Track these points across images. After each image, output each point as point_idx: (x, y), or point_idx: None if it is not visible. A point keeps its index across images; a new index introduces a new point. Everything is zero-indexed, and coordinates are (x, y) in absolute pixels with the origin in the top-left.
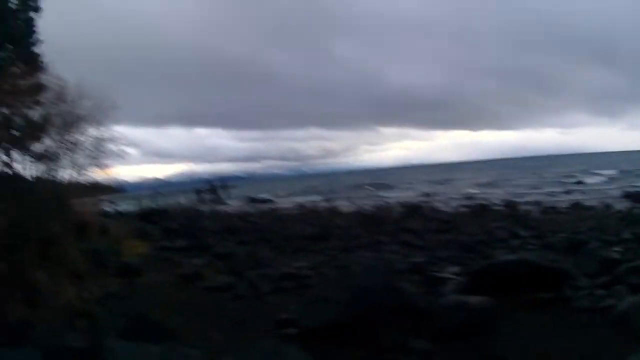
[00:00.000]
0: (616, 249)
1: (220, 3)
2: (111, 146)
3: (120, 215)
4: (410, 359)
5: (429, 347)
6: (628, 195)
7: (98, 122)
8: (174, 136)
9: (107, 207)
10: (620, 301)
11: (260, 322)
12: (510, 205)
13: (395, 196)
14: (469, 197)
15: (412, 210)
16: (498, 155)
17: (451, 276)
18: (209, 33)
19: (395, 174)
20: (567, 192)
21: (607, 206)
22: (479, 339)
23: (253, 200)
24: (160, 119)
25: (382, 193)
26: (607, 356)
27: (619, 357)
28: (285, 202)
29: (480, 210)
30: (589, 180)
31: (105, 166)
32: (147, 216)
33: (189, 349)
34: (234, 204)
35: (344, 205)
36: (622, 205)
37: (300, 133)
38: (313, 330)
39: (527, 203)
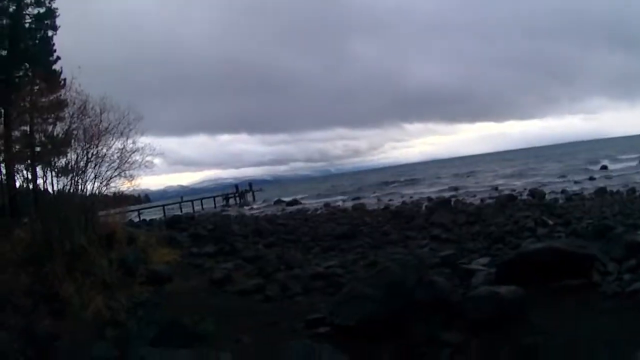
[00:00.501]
0: None
1: (240, 12)
2: (137, 157)
3: (147, 224)
4: (442, 352)
5: (461, 339)
6: None
7: (123, 134)
8: (199, 144)
9: (135, 217)
10: None
11: (292, 322)
12: (536, 194)
13: (422, 191)
14: (495, 188)
15: (440, 204)
16: (523, 145)
17: (481, 267)
18: (230, 41)
19: (422, 169)
20: (592, 179)
21: (632, 190)
22: (509, 329)
23: (280, 202)
24: (184, 128)
25: (409, 189)
26: (636, 341)
27: None
28: (313, 203)
29: (506, 201)
30: (613, 165)
31: (132, 177)
32: (175, 224)
33: (220, 352)
34: (261, 207)
35: (371, 203)
36: None
37: (325, 134)
38: (345, 328)
39: (552, 191)
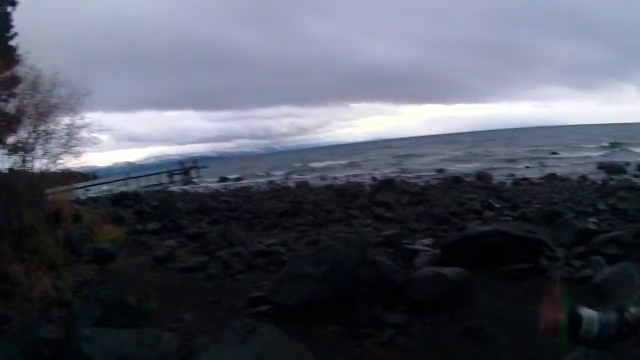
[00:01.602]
0: (592, 220)
1: None
2: (84, 133)
3: (94, 201)
4: (385, 333)
5: (404, 320)
6: (603, 167)
7: (72, 110)
8: (145, 120)
9: (81, 194)
10: (597, 272)
11: (234, 301)
12: (483, 177)
13: (367, 171)
14: (441, 170)
15: (384, 183)
16: (472, 129)
17: (425, 248)
18: (178, 15)
19: (367, 149)
20: (542, 164)
21: (583, 178)
22: (454, 312)
23: (224, 179)
24: (131, 104)
25: (353, 168)
26: None
27: None
28: (257, 180)
29: (452, 183)
30: (565, 153)
31: (79, 153)
32: (120, 201)
33: (164, 332)
34: (205, 184)
35: (315, 181)
36: (597, 176)
37: (271, 111)
38: (286, 307)
39: (501, 175)
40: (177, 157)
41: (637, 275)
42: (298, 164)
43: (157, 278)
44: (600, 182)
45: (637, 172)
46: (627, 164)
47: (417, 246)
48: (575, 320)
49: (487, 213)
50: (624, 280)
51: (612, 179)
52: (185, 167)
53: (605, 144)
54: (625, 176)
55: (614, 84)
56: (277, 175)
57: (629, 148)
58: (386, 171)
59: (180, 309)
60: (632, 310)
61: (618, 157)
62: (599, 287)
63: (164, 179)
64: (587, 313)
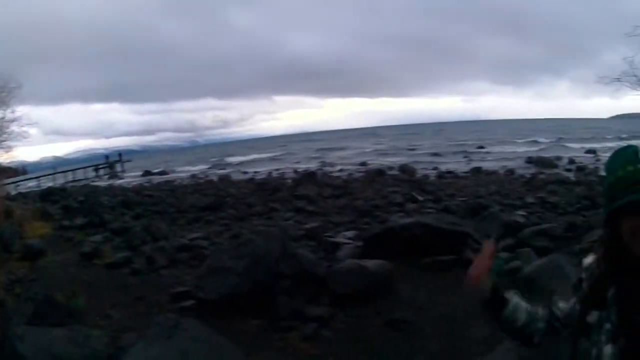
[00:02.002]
0: (520, 212)
1: None
2: (14, 127)
3: (23, 197)
4: (308, 326)
5: (329, 313)
6: (532, 162)
7: (3, 104)
8: (72, 113)
9: (10, 189)
10: (526, 264)
11: (158, 296)
12: (406, 170)
13: (288, 165)
14: (364, 163)
15: (306, 176)
16: (397, 122)
17: (347, 241)
18: (103, 7)
19: (289, 142)
20: (468, 158)
21: (511, 171)
22: (379, 303)
23: (148, 173)
24: (57, 97)
25: (275, 161)
26: None
27: None
28: (180, 174)
29: (375, 176)
30: (492, 147)
31: (9, 148)
32: (48, 196)
33: (93, 329)
34: (129, 178)
35: (237, 174)
36: (526, 171)
37: (195, 104)
38: (209, 302)
39: (424, 168)
40: (103, 151)
41: (568, 267)
42: (221, 158)
43: (84, 274)
44: (528, 176)
45: (568, 167)
46: (558, 158)
47: (340, 239)
48: (500, 301)
49: (410, 205)
50: (554, 272)
51: (542, 173)
52: (110, 161)
53: (534, 138)
54: (556, 170)
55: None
56: (200, 168)
57: (563, 143)
58: (308, 164)
59: (107, 305)
60: (561, 305)
61: (548, 152)
62: (528, 279)
63: (90, 173)
64: (515, 299)
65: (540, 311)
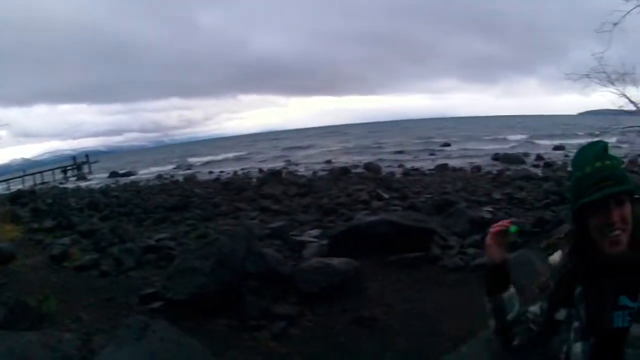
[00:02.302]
0: (487, 208)
1: None
2: None
3: None
4: (276, 325)
5: (296, 311)
6: (498, 158)
7: None
8: (40, 115)
9: None
10: None
11: (127, 298)
12: (372, 168)
13: (254, 164)
14: (329, 161)
15: (271, 175)
16: (364, 120)
17: (312, 240)
18: (67, 7)
19: (255, 141)
20: (433, 155)
21: (477, 168)
22: (346, 301)
23: (115, 174)
24: (26, 98)
25: (240, 160)
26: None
27: None
28: (146, 174)
29: (340, 174)
30: (458, 144)
31: None
32: (17, 198)
33: (64, 333)
34: (97, 179)
35: (203, 174)
36: (493, 167)
37: (160, 104)
38: (178, 303)
39: (390, 166)
40: (70, 152)
41: (537, 262)
42: (186, 158)
43: (54, 277)
44: (495, 173)
45: (535, 163)
46: (526, 154)
47: (305, 238)
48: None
49: (376, 203)
50: (523, 267)
51: (509, 169)
52: (78, 163)
53: (501, 135)
54: (523, 166)
55: (516, 77)
56: (166, 169)
57: (531, 140)
58: (274, 164)
59: (78, 308)
60: (532, 308)
61: (516, 149)
62: None
63: (58, 175)
64: (513, 289)
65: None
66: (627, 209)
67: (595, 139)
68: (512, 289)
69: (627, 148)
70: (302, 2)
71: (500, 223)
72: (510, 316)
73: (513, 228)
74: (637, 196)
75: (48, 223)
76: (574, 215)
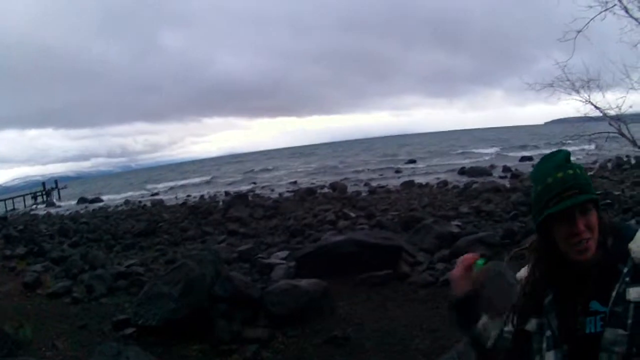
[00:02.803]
0: (455, 223)
1: None
2: None
3: None
4: (249, 349)
5: (267, 334)
6: (464, 172)
7: None
8: (8, 140)
9: None
10: None
11: (101, 324)
12: (337, 187)
13: (220, 187)
14: (295, 182)
15: (237, 198)
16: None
17: (280, 262)
18: (35, 28)
19: (220, 164)
20: (399, 172)
21: (444, 183)
22: (317, 322)
23: (84, 200)
24: None
25: (206, 184)
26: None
27: None
28: (114, 200)
29: (306, 195)
30: (423, 159)
31: None
32: None
33: None
34: (66, 205)
35: (170, 198)
36: (459, 181)
37: (126, 128)
38: (149, 329)
39: (355, 184)
40: (40, 178)
41: (508, 274)
42: (153, 182)
43: (28, 304)
44: (462, 186)
45: (503, 174)
46: (493, 166)
47: (273, 260)
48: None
49: (342, 223)
50: (494, 280)
51: (476, 182)
52: (47, 189)
53: (467, 149)
54: (490, 179)
55: (480, 90)
56: (133, 194)
57: (497, 152)
58: (240, 186)
59: (52, 335)
60: (506, 328)
61: (482, 162)
62: None
63: (29, 201)
64: (484, 318)
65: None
66: (593, 217)
67: (555, 149)
68: (484, 317)
69: (596, 154)
70: (261, 22)
71: (466, 257)
72: (489, 343)
73: (480, 261)
74: (601, 203)
75: (20, 250)
76: (539, 226)
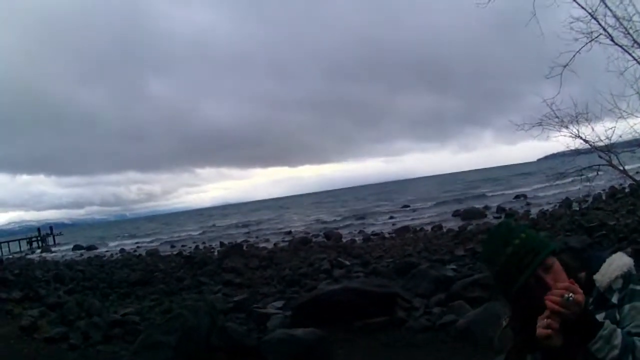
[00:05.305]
0: (450, 266)
1: (41, 44)
2: None
3: None
4: None
5: None
6: (458, 214)
7: None
8: (1, 184)
9: None
10: (461, 316)
11: None
12: (331, 236)
13: (214, 237)
14: (289, 232)
15: (232, 248)
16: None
17: (276, 311)
18: (26, 74)
19: (214, 214)
20: (393, 218)
21: (438, 227)
22: None
23: (79, 247)
24: None
25: (200, 235)
26: None
27: None
28: (110, 248)
29: (300, 244)
30: (417, 204)
31: None
32: None
33: None
34: (61, 252)
35: (165, 248)
36: (454, 224)
37: (119, 177)
38: None
39: (350, 232)
40: (35, 224)
41: (503, 314)
42: (148, 232)
43: (26, 349)
44: (457, 229)
45: (497, 215)
46: (487, 207)
47: (269, 309)
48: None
49: (338, 271)
50: (491, 320)
51: (470, 224)
52: (43, 235)
53: (460, 191)
54: (485, 220)
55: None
56: (128, 242)
57: (491, 192)
58: (235, 237)
59: None
60: None
61: (476, 203)
62: (463, 330)
63: (24, 245)
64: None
65: None
66: (557, 267)
67: (503, 219)
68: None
69: (587, 188)
70: (246, 70)
71: (556, 292)
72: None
73: (568, 297)
74: (596, 235)
75: (16, 294)
76: (512, 302)
